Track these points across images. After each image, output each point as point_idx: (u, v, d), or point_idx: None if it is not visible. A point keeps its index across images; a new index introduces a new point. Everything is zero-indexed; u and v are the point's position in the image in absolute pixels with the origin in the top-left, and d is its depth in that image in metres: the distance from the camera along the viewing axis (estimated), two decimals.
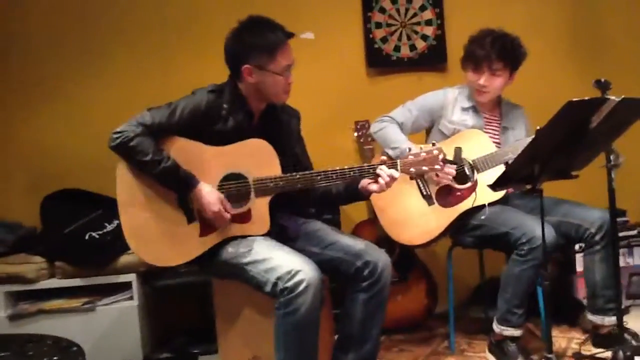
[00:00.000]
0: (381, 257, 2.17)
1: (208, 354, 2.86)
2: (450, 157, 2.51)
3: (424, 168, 2.13)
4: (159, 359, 2.96)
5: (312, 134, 3.35)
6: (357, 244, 2.20)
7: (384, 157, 2.18)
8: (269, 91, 2.21)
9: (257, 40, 2.15)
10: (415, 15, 3.40)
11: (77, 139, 3.32)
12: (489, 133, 2.75)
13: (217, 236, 2.15)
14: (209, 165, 2.16)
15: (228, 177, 2.16)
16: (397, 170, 2.13)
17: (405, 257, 3.01)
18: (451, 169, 2.60)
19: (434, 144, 2.16)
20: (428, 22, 3.40)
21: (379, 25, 3.40)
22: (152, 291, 2.98)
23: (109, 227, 2.94)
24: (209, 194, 2.11)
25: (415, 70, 3.42)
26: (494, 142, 2.72)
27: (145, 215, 2.14)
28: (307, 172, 2.16)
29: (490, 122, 2.80)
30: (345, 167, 2.14)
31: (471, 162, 2.65)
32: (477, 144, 2.68)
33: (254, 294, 2.12)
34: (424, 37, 3.41)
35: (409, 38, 3.41)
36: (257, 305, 2.21)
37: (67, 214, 3.01)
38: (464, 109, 2.76)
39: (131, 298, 2.89)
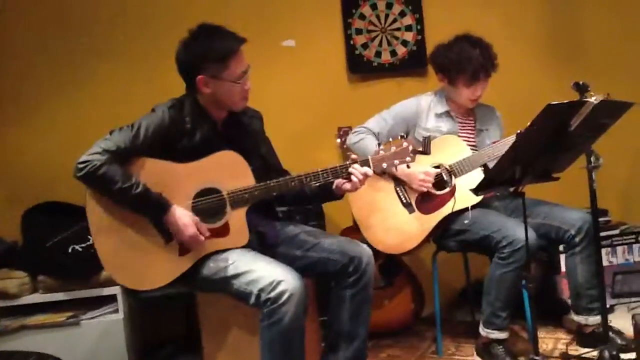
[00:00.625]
0: (364, 252, 2.18)
1: None
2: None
3: (396, 162, 2.12)
4: None
5: (295, 141, 3.38)
6: (339, 242, 2.21)
7: (355, 156, 2.16)
8: (226, 100, 2.18)
9: (207, 50, 2.12)
10: (395, 21, 3.42)
11: (59, 152, 3.27)
12: (464, 136, 2.78)
13: (197, 253, 2.12)
14: (180, 183, 2.12)
15: (202, 193, 2.13)
16: (369, 167, 2.12)
17: (391, 262, 3.02)
18: (430, 176, 2.61)
19: (402, 137, 2.15)
20: (408, 28, 3.42)
21: (359, 31, 3.41)
22: (136, 303, 2.96)
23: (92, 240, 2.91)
24: (183, 216, 2.08)
25: (397, 75, 3.43)
26: (469, 144, 2.74)
27: (120, 241, 2.10)
28: (281, 178, 2.14)
29: (465, 126, 2.82)
30: (319, 169, 2.13)
31: (448, 167, 2.67)
32: (453, 149, 2.69)
33: (239, 303, 2.10)
34: (405, 43, 3.42)
35: (389, 44, 3.42)
36: (243, 315, 2.20)
37: (49, 227, 2.97)
38: (438, 115, 2.78)
39: (116, 311, 2.86)
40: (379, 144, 2.18)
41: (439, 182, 2.66)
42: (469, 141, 2.76)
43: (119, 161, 2.05)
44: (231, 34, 2.15)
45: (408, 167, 2.17)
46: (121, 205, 2.08)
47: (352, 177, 2.12)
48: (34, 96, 3.31)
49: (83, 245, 2.89)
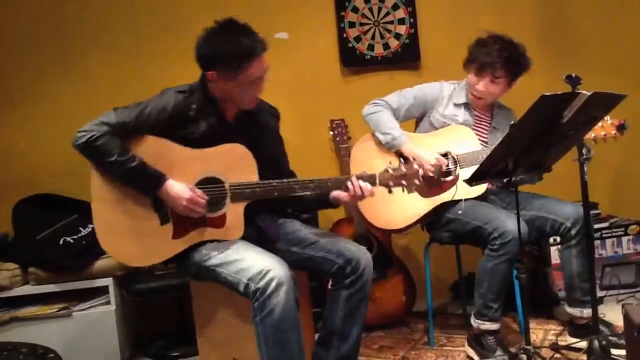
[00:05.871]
0: (363, 255, 2.18)
1: (188, 357, 2.83)
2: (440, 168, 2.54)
3: (403, 182, 2.13)
4: None
5: (288, 133, 3.34)
6: (338, 243, 2.21)
7: (362, 172, 2.17)
8: (235, 99, 2.17)
9: (227, 48, 2.06)
10: (388, 14, 3.42)
11: (49, 144, 3.26)
12: (478, 131, 2.78)
13: (190, 239, 2.12)
14: (184, 167, 2.12)
15: (204, 181, 2.13)
16: (375, 183, 2.14)
17: (383, 254, 3.03)
18: (442, 163, 2.61)
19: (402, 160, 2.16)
20: (401, 21, 3.43)
21: (352, 24, 3.41)
22: (129, 295, 2.94)
23: (84, 232, 2.90)
24: (177, 184, 2.08)
25: (389, 68, 3.44)
26: (482, 140, 2.75)
27: (116, 213, 2.10)
28: (284, 180, 2.15)
29: (481, 121, 2.81)
30: (324, 178, 2.15)
31: (455, 157, 2.68)
32: (463, 140, 2.70)
33: (233, 295, 2.10)
34: (397, 36, 3.43)
35: (382, 37, 3.43)
36: (236, 306, 2.20)
37: (41, 219, 2.96)
38: (457, 105, 2.78)
39: (108, 303, 2.86)
40: (390, 162, 2.18)
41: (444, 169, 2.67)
42: (481, 136, 2.76)
43: (118, 135, 2.05)
44: (255, 37, 2.09)
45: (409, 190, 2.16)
46: (116, 178, 2.07)
47: (350, 189, 2.13)
48: (23, 91, 3.29)
49: (75, 237, 2.89)
